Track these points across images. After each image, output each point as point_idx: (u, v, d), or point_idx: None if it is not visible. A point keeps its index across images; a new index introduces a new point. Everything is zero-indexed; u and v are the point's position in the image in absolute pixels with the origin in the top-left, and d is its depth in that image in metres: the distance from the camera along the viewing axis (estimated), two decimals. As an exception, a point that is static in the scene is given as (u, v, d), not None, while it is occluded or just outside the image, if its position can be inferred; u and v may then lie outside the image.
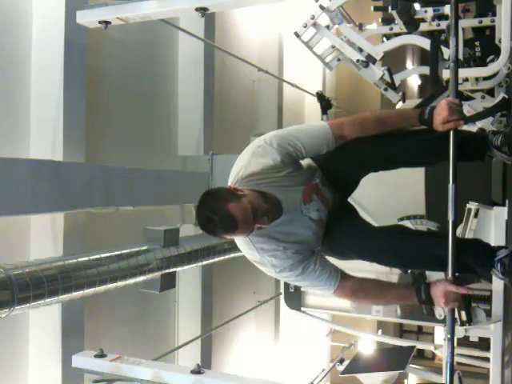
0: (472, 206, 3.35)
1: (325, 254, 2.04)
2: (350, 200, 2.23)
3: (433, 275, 2.27)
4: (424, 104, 1.91)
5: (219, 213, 1.74)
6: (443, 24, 4.18)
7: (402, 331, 11.28)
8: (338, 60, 3.65)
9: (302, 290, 4.11)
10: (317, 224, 1.96)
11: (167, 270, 3.48)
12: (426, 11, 4.14)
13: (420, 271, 3.09)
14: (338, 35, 3.48)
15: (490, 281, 3.18)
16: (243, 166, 1.91)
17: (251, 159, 1.90)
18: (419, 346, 4.94)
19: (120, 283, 3.06)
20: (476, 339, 3.67)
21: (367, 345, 5.85)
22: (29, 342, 3.55)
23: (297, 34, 3.35)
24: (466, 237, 3.38)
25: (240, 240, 1.94)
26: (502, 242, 3.19)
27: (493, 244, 2.05)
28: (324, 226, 1.99)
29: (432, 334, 9.93)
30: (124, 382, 2.61)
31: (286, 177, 1.90)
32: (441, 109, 1.86)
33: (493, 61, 3.56)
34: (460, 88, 3.09)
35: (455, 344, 1.96)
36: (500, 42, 3.31)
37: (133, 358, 2.72)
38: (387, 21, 4.69)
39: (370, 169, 2.08)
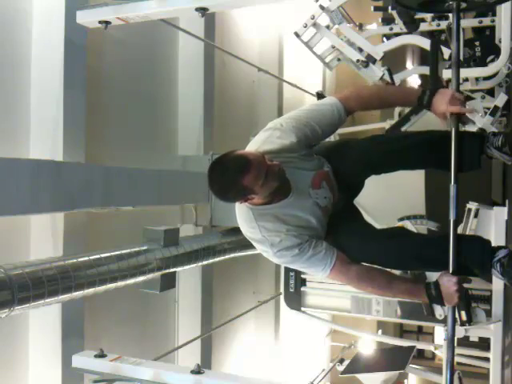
0: (472, 205, 3.35)
1: None
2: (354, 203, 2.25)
3: (433, 276, 2.27)
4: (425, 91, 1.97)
5: (231, 156, 1.79)
6: (443, 24, 4.19)
7: (402, 331, 11.25)
8: (338, 60, 3.66)
9: (302, 289, 4.11)
10: (322, 211, 1.99)
11: (167, 270, 3.48)
12: (425, 11, 4.13)
13: (420, 272, 3.09)
14: (338, 35, 3.48)
15: (490, 281, 3.18)
16: (260, 144, 1.96)
17: (268, 139, 1.96)
18: (419, 345, 4.93)
19: (120, 283, 3.06)
20: (476, 339, 3.67)
21: (367, 345, 5.86)
22: (29, 342, 3.54)
23: (297, 34, 3.35)
24: (466, 236, 3.38)
25: (243, 216, 1.95)
26: (502, 242, 3.19)
27: (493, 244, 2.05)
28: (328, 215, 2.02)
29: (432, 334, 9.92)
30: (124, 381, 2.61)
31: (299, 158, 1.95)
32: (446, 94, 1.92)
33: (493, 61, 3.56)
34: (460, 88, 3.09)
35: (455, 344, 1.96)
36: (500, 41, 3.32)
37: (133, 358, 2.73)
38: (387, 21, 4.71)
39: (372, 170, 2.09)
